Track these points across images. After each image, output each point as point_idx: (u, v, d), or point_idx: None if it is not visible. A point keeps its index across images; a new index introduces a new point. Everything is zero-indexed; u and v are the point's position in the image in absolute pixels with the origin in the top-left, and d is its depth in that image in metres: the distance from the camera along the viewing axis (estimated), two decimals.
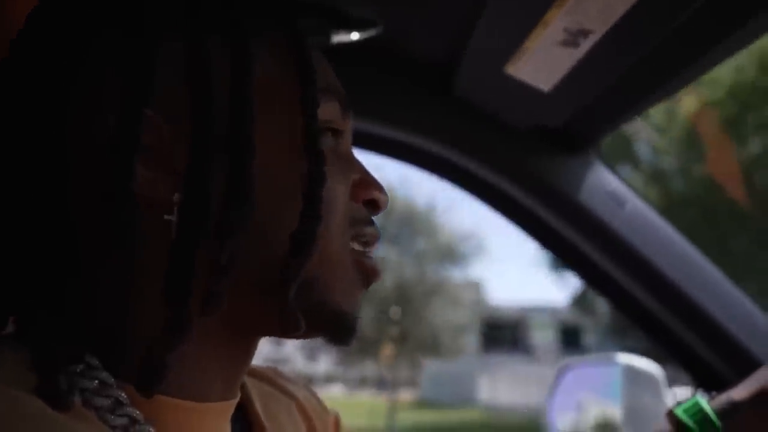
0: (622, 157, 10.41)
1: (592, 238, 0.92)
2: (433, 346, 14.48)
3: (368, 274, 0.43)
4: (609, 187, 0.92)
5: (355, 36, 0.77)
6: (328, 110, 0.42)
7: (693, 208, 9.31)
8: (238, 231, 0.37)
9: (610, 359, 1.17)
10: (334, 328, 0.42)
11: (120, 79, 0.37)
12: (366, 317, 13.28)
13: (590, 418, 1.13)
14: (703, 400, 0.58)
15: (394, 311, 13.76)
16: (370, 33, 0.77)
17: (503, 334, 20.98)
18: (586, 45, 0.65)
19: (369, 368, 17.60)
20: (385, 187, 0.44)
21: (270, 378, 0.54)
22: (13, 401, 0.32)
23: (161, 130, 0.37)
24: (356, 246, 0.43)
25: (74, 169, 0.37)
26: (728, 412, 0.56)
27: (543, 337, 20.32)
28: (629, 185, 0.94)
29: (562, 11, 0.60)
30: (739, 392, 0.57)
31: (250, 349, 0.43)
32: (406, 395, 18.87)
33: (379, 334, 13.84)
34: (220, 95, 0.37)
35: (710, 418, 0.56)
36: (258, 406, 0.49)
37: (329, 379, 21.38)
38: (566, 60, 0.68)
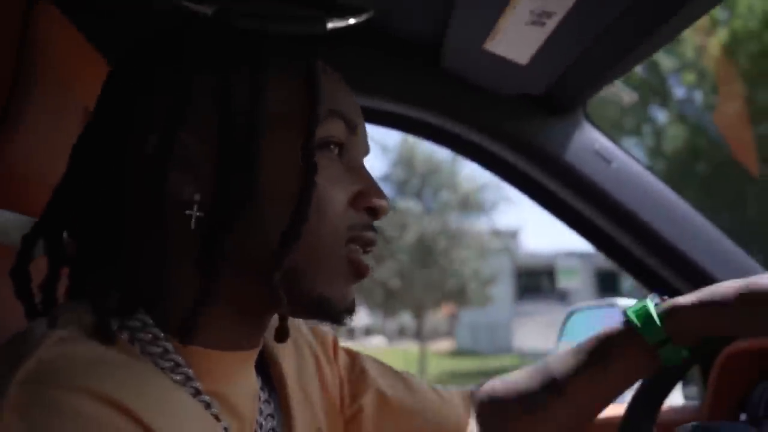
0: (654, 95, 10.12)
1: (580, 194, 0.99)
2: (459, 296, 14.57)
3: (358, 269, 0.51)
4: (596, 145, 0.99)
5: (350, 21, 0.84)
6: (332, 128, 0.50)
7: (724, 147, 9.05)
8: (240, 224, 0.46)
9: (611, 303, 1.24)
10: (320, 311, 0.50)
11: (163, 108, 0.47)
12: (392, 271, 13.44)
13: None
14: (650, 303, 0.64)
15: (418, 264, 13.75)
16: (363, 18, 0.84)
17: (538, 281, 20.98)
18: (551, 24, 0.71)
19: (406, 320, 17.89)
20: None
21: None
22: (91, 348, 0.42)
23: (191, 147, 0.47)
24: (353, 246, 0.51)
25: (129, 173, 0.48)
26: (669, 312, 0.62)
27: (577, 283, 20.28)
28: (616, 143, 1.00)
29: None
30: (685, 298, 0.62)
31: (262, 320, 0.52)
32: (444, 345, 19.19)
33: (406, 287, 13.96)
34: (239, 121, 0.47)
35: (653, 317, 0.62)
36: (269, 344, 0.61)
37: (369, 332, 21.79)
38: (536, 37, 0.75)
